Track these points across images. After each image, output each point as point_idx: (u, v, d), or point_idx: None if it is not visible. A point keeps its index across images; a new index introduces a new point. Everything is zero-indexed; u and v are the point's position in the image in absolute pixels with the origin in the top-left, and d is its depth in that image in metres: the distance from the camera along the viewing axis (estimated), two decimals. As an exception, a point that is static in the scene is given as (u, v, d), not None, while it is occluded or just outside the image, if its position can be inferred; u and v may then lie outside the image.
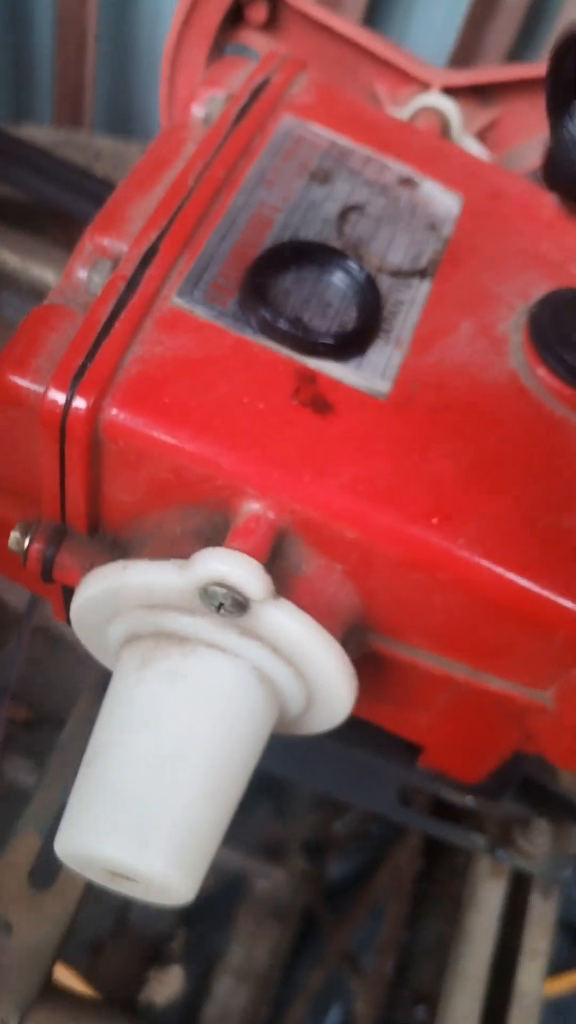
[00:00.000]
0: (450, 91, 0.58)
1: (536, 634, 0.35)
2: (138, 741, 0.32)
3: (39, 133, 0.80)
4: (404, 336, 0.37)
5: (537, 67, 0.60)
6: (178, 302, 0.35)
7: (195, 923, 1.07)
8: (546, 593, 0.33)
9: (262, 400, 0.34)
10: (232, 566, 0.31)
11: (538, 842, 0.52)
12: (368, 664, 0.39)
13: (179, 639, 0.33)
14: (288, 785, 0.97)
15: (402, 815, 0.53)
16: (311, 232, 0.38)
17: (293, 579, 0.34)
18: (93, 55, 0.97)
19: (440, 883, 0.65)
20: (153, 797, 0.31)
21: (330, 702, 0.36)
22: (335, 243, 0.38)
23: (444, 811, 0.55)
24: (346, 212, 0.39)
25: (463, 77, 0.59)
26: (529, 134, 0.58)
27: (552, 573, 0.34)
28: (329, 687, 0.35)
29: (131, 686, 0.33)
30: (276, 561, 0.34)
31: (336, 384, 0.35)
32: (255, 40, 0.65)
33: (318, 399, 0.34)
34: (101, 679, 0.59)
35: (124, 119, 1.00)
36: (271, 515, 0.33)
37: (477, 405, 0.36)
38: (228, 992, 1.02)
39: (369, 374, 0.35)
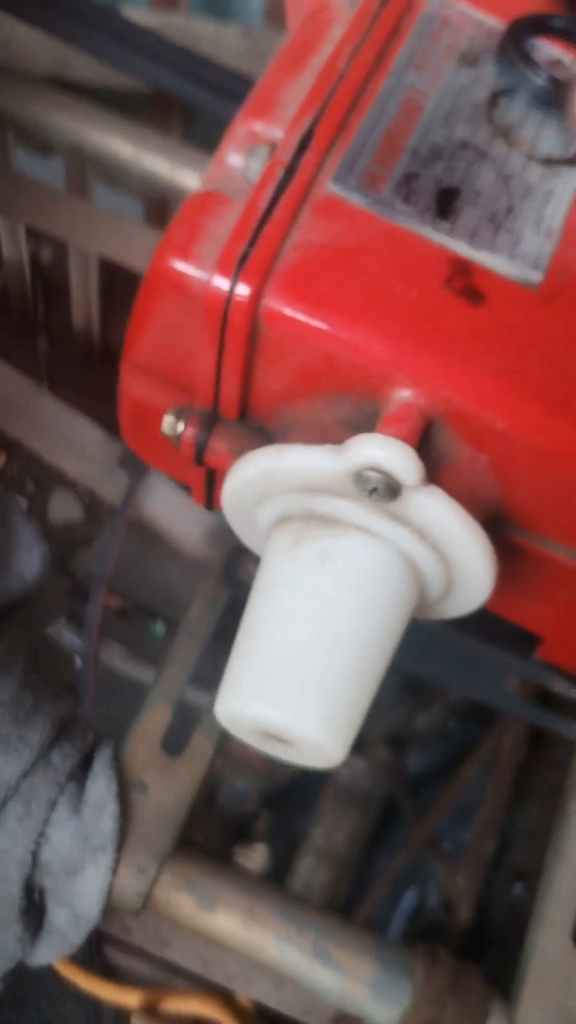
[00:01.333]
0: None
1: None
2: (292, 613, 0.34)
3: (136, 16, 0.78)
4: (555, 226, 0.36)
5: None
6: (333, 189, 0.35)
7: (278, 807, 1.13)
8: None
9: (416, 288, 0.34)
10: (387, 451, 0.32)
11: None
12: (500, 555, 0.40)
13: (330, 521, 0.35)
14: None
15: (510, 704, 0.55)
16: (461, 118, 0.38)
17: (440, 467, 0.35)
18: None
19: (540, 774, 0.67)
20: (307, 665, 0.33)
21: (469, 589, 0.37)
22: (484, 129, 0.38)
23: (547, 703, 0.56)
24: (495, 97, 0.39)
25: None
26: None
27: None
28: (471, 573, 0.36)
29: (284, 563, 0.35)
30: (425, 449, 0.34)
31: (488, 273, 0.35)
32: None
33: (471, 288, 0.34)
34: (221, 566, 0.61)
35: (221, 1, 0.98)
36: (422, 403, 0.34)
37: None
38: (310, 870, 1.07)
39: (521, 264, 0.35)
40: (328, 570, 0.34)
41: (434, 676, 0.55)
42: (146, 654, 0.86)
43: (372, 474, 0.32)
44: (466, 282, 0.35)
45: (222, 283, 0.32)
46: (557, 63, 0.40)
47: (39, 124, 0.69)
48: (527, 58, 0.38)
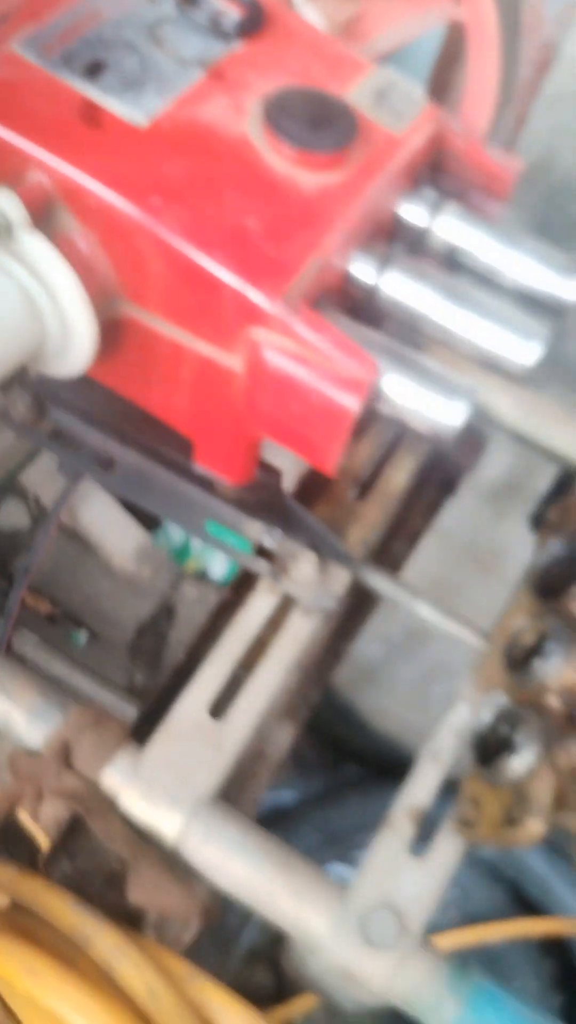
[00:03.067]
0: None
1: (215, 296, 0.50)
2: None
3: None
4: (173, 97, 0.53)
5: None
6: (15, 48, 0.52)
7: None
8: (217, 267, 0.49)
9: (54, 110, 0.51)
10: (3, 197, 0.48)
11: (304, 572, 0.66)
12: (125, 334, 0.55)
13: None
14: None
15: (210, 540, 0.68)
16: (132, 28, 0.55)
17: (60, 237, 0.51)
18: None
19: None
20: None
21: (80, 342, 0.52)
22: (145, 37, 0.55)
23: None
24: (164, 21, 0.56)
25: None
26: (389, 25, 0.72)
27: (228, 255, 0.49)
28: (78, 321, 0.51)
29: None
30: (48, 222, 0.50)
31: (109, 113, 0.52)
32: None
33: (92, 117, 0.51)
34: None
35: None
36: (45, 181, 0.50)
37: (212, 147, 0.52)
38: None
39: (134, 111, 0.52)
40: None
41: (154, 510, 0.69)
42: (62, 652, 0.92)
43: (-8, 215, 0.48)
44: (90, 114, 0.51)
45: None
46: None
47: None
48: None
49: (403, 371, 0.51)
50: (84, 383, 0.62)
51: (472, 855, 1.23)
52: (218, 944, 1.14)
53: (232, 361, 0.52)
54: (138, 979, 0.57)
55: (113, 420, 0.66)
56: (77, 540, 1.04)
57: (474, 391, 0.52)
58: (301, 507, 0.65)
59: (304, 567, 0.66)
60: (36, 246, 0.49)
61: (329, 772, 1.19)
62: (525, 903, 1.19)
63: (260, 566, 0.67)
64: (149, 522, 1.06)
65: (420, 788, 0.62)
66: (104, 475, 0.68)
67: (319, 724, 1.18)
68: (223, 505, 0.67)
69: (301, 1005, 0.82)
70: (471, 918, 1.08)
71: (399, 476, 0.71)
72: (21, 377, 0.63)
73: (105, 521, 1.05)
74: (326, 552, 0.66)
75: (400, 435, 0.73)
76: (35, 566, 0.85)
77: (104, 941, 0.58)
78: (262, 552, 0.67)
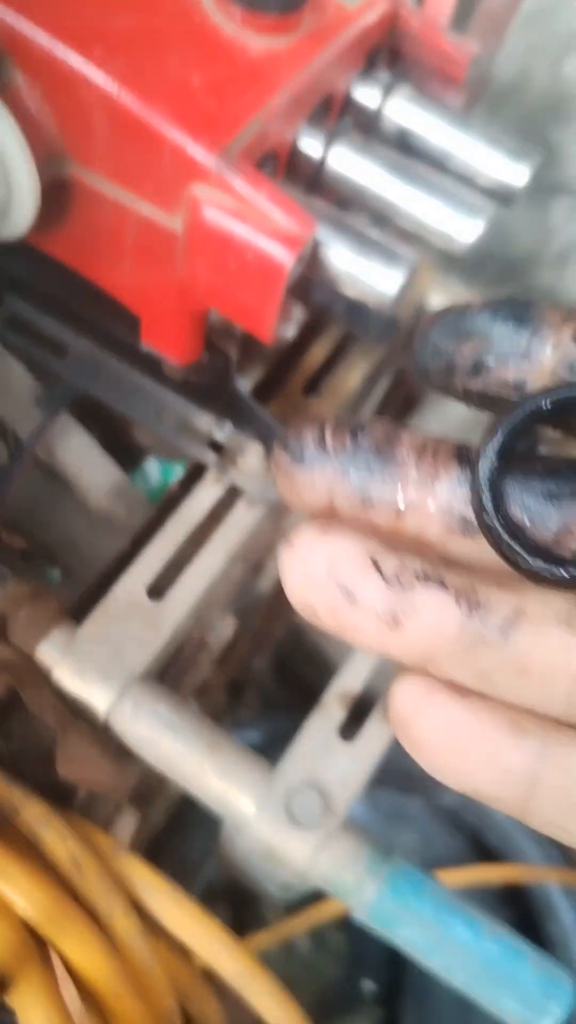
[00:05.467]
0: None
1: (156, 151, 0.50)
2: None
3: None
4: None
5: None
6: None
7: None
8: (158, 119, 0.49)
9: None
10: None
11: (251, 463, 0.66)
12: (70, 197, 0.55)
13: None
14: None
15: (157, 427, 0.68)
16: None
17: (8, 93, 0.51)
18: None
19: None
20: None
21: (20, 200, 0.52)
22: None
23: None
24: None
25: None
26: None
27: (170, 108, 0.49)
28: (17, 174, 0.51)
29: None
30: (-8, 72, 0.50)
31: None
32: None
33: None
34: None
35: None
36: (-13, 32, 0.50)
37: (160, 4, 0.52)
38: None
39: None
40: None
41: (108, 400, 0.69)
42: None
43: None
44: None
45: None
46: None
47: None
48: None
49: (341, 234, 0.51)
50: (37, 264, 0.63)
51: (434, 804, 1.23)
52: (176, 879, 1.14)
53: (173, 223, 0.52)
54: (62, 848, 0.57)
55: (67, 305, 0.66)
56: (54, 477, 1.04)
57: (414, 260, 0.52)
58: (250, 397, 0.65)
59: (251, 459, 0.66)
60: (-23, 91, 0.49)
61: (295, 713, 1.18)
62: (485, 851, 1.19)
63: (208, 456, 0.67)
64: (127, 462, 1.06)
65: (353, 674, 0.62)
66: (57, 362, 0.68)
67: (285, 665, 1.18)
68: (172, 394, 0.67)
69: (258, 941, 0.82)
70: (432, 864, 1.08)
71: (353, 376, 0.71)
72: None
73: (82, 458, 1.05)
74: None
75: (352, 337, 0.73)
76: (8, 500, 0.85)
77: (30, 811, 0.58)
78: (212, 447, 0.68)
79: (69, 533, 1.06)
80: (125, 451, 1.05)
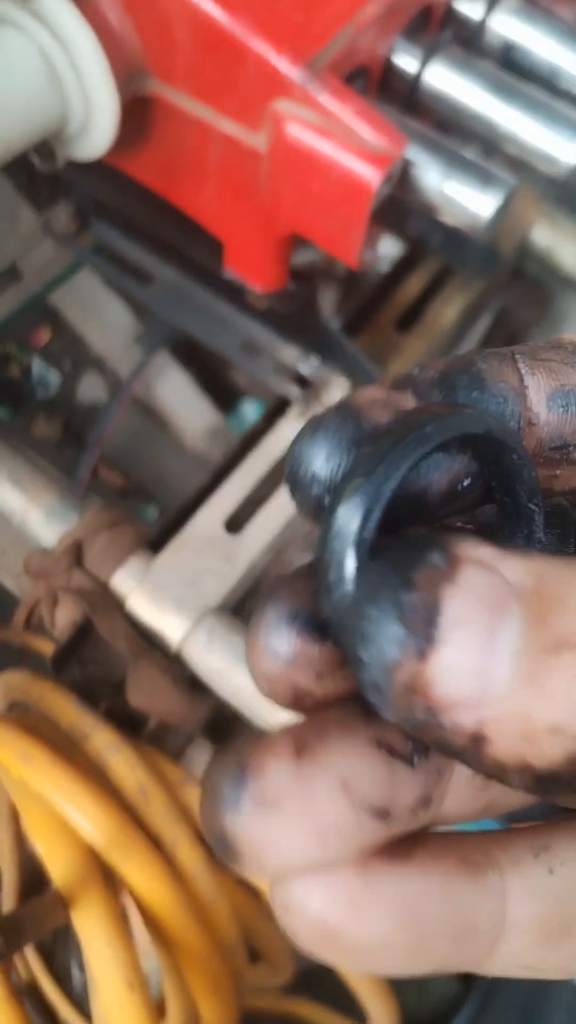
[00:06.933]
0: None
1: (240, 64, 0.48)
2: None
3: None
4: None
5: None
6: None
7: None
8: (242, 30, 0.47)
9: None
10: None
11: (336, 397, 0.64)
12: (152, 115, 0.53)
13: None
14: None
15: (242, 360, 0.67)
16: None
17: (88, 3, 0.49)
18: None
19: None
20: None
21: (100, 117, 0.50)
22: None
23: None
24: None
25: None
26: None
27: (254, 19, 0.47)
28: (97, 90, 0.49)
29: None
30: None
31: None
32: None
33: None
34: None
35: None
36: None
37: None
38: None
39: None
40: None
41: (189, 330, 0.68)
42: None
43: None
44: None
45: None
46: None
47: None
48: None
49: (434, 154, 0.48)
50: (121, 188, 0.61)
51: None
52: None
53: (257, 141, 0.50)
54: (130, 776, 0.58)
55: (151, 231, 0.65)
56: (151, 417, 1.04)
57: (512, 184, 0.49)
58: (338, 330, 0.63)
59: (336, 394, 0.64)
60: (57, 4, 0.48)
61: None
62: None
63: (292, 391, 0.66)
64: (224, 404, 1.06)
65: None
66: (141, 289, 0.67)
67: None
68: (257, 325, 0.65)
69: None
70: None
71: (448, 312, 0.68)
72: (55, 172, 0.62)
73: (179, 398, 1.05)
74: (362, 380, 0.64)
75: (450, 272, 0.69)
76: (106, 435, 0.85)
77: (100, 738, 0.58)
78: (297, 381, 0.66)
79: (164, 472, 1.07)
80: (222, 392, 1.05)
